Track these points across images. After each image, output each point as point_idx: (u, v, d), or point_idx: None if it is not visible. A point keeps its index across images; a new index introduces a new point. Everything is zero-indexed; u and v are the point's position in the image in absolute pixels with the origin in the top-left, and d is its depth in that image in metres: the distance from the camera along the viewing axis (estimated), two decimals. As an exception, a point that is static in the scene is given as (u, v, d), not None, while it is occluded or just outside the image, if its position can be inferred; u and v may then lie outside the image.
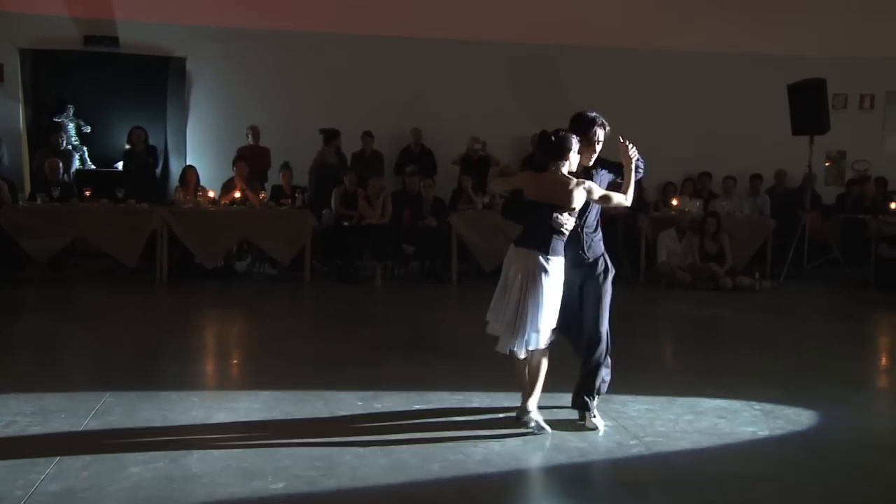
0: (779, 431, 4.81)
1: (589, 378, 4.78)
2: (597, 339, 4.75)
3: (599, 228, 4.92)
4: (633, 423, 4.86)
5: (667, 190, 12.65)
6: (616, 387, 5.59)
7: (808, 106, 11.59)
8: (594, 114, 4.79)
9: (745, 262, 11.48)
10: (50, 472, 3.89)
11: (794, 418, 5.06)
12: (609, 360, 4.88)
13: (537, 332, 4.55)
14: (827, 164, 14.34)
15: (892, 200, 12.20)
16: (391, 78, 12.96)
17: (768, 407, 5.28)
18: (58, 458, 4.05)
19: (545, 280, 4.54)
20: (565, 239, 4.65)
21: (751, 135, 13.29)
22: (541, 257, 4.57)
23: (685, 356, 7.56)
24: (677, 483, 4.04)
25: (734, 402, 5.36)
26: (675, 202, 11.98)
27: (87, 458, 4.09)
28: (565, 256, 4.67)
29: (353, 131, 12.43)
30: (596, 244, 4.85)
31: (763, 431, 4.81)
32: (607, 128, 4.80)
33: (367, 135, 12.53)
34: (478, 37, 13.07)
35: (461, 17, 12.96)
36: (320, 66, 12.99)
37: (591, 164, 4.82)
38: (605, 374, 4.88)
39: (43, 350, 6.73)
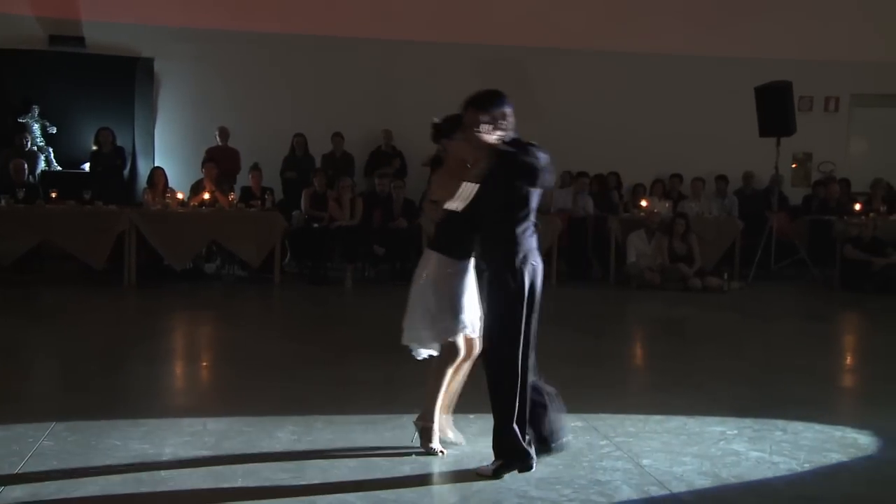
0: (746, 430, 4.85)
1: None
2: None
3: (507, 235, 3.99)
4: (603, 424, 4.88)
5: (636, 191, 12.74)
6: (586, 387, 5.63)
7: (775, 108, 11.73)
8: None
9: (714, 262, 11.59)
10: (16, 472, 3.85)
11: (762, 417, 5.11)
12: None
13: (411, 328, 4.37)
14: (793, 165, 14.51)
15: (857, 202, 12.38)
16: (361, 79, 12.93)
17: (736, 406, 5.33)
18: (20, 465, 4.00)
19: (419, 273, 4.35)
20: (443, 230, 4.26)
21: (719, 136, 13.42)
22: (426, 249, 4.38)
23: (654, 356, 7.61)
24: (646, 483, 4.07)
25: (703, 402, 5.40)
26: (644, 203, 12.06)
27: (54, 461, 4.04)
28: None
29: (322, 132, 12.39)
30: (489, 251, 4.11)
31: (732, 430, 4.85)
32: (490, 110, 3.99)
33: (338, 136, 12.50)
34: (448, 38, 13.08)
35: (431, 19, 12.96)
36: (290, 66, 12.93)
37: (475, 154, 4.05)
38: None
39: (8, 353, 6.61)
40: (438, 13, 12.97)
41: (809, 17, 13.59)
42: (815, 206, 12.87)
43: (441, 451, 4.29)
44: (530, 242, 4.05)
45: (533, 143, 4.03)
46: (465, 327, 4.24)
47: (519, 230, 4.00)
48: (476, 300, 4.28)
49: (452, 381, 4.40)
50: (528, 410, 4.03)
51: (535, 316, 4.06)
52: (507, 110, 4.06)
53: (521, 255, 3.99)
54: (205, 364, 6.77)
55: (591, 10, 13.37)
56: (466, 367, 4.43)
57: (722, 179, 12.97)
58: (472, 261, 4.26)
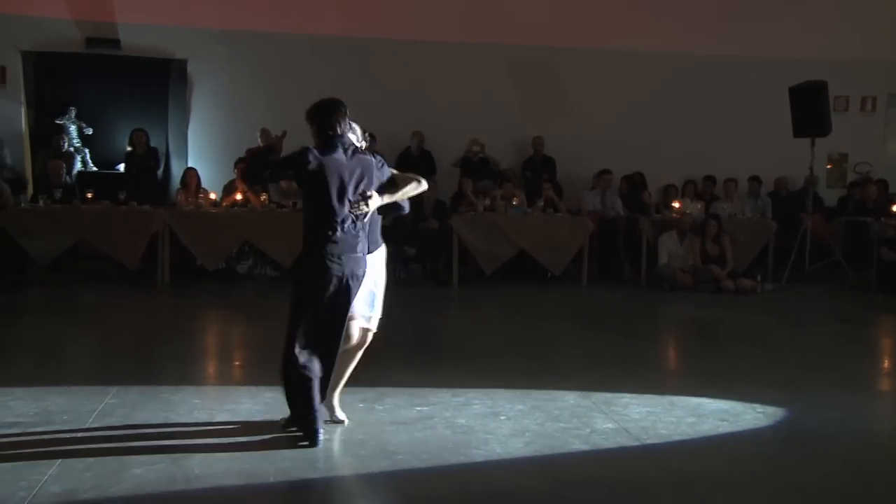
0: (781, 434, 4.80)
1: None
2: None
3: (305, 231, 4.52)
4: (635, 426, 4.85)
5: (668, 192, 12.65)
6: (618, 389, 5.61)
7: (810, 108, 11.59)
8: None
9: (747, 264, 11.47)
10: (52, 472, 3.89)
11: (796, 421, 5.06)
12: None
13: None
14: (829, 166, 14.32)
15: (894, 202, 12.18)
16: (391, 80, 12.95)
17: (770, 409, 5.28)
18: (60, 460, 4.06)
19: None
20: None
21: (752, 137, 13.27)
22: None
23: (687, 358, 7.55)
24: (679, 485, 4.04)
25: (736, 405, 5.35)
26: (676, 204, 11.97)
27: (90, 459, 4.09)
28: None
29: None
30: None
31: (766, 434, 4.80)
32: (317, 119, 4.51)
33: (369, 137, 12.53)
34: (478, 39, 13.06)
35: (462, 20, 12.95)
36: (321, 68, 12.96)
37: None
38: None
39: (45, 351, 6.74)
40: (469, 13, 12.96)
41: (845, 15, 13.40)
42: (851, 208, 12.70)
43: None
44: (328, 237, 4.33)
45: (309, 147, 4.39)
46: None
47: (312, 225, 4.38)
48: (365, 292, 4.60)
49: (342, 365, 4.67)
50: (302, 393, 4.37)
51: (318, 313, 4.38)
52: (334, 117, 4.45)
53: (310, 252, 4.36)
54: (237, 363, 6.82)
55: (620, 10, 13.28)
56: (357, 353, 4.77)
57: (755, 180, 12.84)
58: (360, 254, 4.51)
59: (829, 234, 12.31)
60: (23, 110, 12.32)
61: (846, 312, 10.08)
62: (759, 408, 5.31)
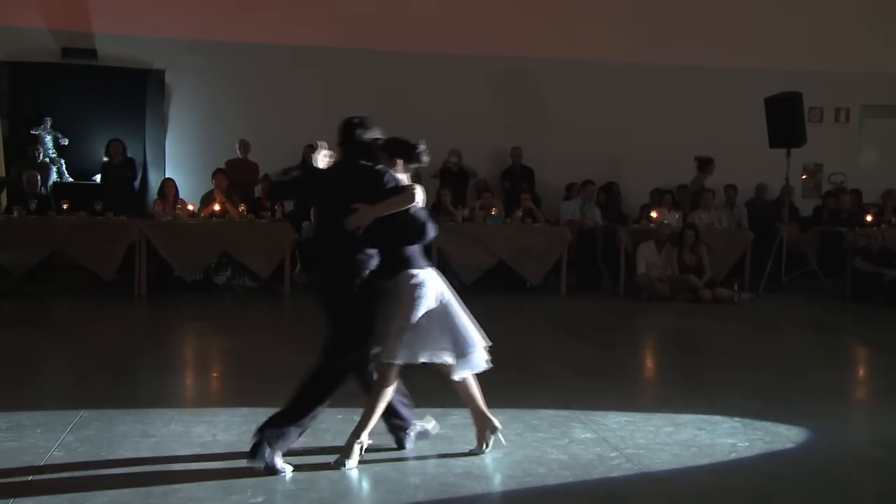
0: (758, 443, 4.83)
1: None
2: None
3: None
4: (614, 436, 4.86)
5: (649, 200, 12.71)
6: (597, 399, 5.62)
7: (785, 119, 11.71)
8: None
9: (724, 273, 11.55)
10: (28, 483, 3.85)
11: (773, 430, 5.09)
12: None
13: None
14: (804, 176, 14.47)
15: (868, 213, 12.34)
16: (369, 90, 12.94)
17: (747, 419, 5.31)
18: (31, 476, 4.01)
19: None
20: None
21: (729, 148, 13.36)
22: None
23: (665, 368, 7.58)
24: (657, 495, 4.05)
25: (714, 414, 5.38)
26: (654, 214, 12.04)
27: (64, 473, 4.05)
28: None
29: (333, 144, 12.42)
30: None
31: (742, 443, 4.82)
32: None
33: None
34: (457, 50, 13.12)
35: (440, 31, 13.00)
36: (300, 78, 12.98)
37: None
38: None
39: (19, 364, 6.65)
40: (447, 24, 13.01)
41: (820, 27, 13.58)
42: (826, 217, 12.83)
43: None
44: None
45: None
46: None
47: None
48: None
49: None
50: None
51: None
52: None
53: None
54: (214, 375, 6.78)
55: (599, 22, 13.39)
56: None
57: (731, 189, 12.94)
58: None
59: (804, 243, 12.43)
60: (-3, 120, 12.22)
61: (821, 321, 10.18)
62: (736, 416, 5.33)
